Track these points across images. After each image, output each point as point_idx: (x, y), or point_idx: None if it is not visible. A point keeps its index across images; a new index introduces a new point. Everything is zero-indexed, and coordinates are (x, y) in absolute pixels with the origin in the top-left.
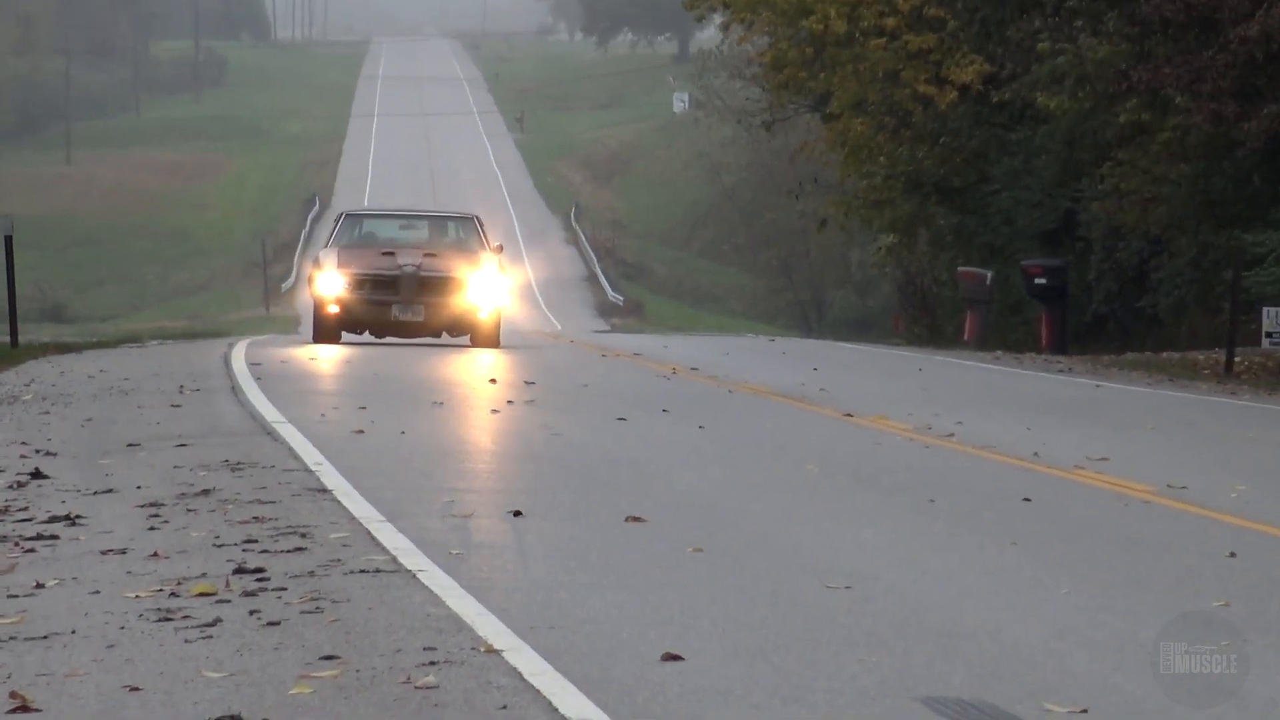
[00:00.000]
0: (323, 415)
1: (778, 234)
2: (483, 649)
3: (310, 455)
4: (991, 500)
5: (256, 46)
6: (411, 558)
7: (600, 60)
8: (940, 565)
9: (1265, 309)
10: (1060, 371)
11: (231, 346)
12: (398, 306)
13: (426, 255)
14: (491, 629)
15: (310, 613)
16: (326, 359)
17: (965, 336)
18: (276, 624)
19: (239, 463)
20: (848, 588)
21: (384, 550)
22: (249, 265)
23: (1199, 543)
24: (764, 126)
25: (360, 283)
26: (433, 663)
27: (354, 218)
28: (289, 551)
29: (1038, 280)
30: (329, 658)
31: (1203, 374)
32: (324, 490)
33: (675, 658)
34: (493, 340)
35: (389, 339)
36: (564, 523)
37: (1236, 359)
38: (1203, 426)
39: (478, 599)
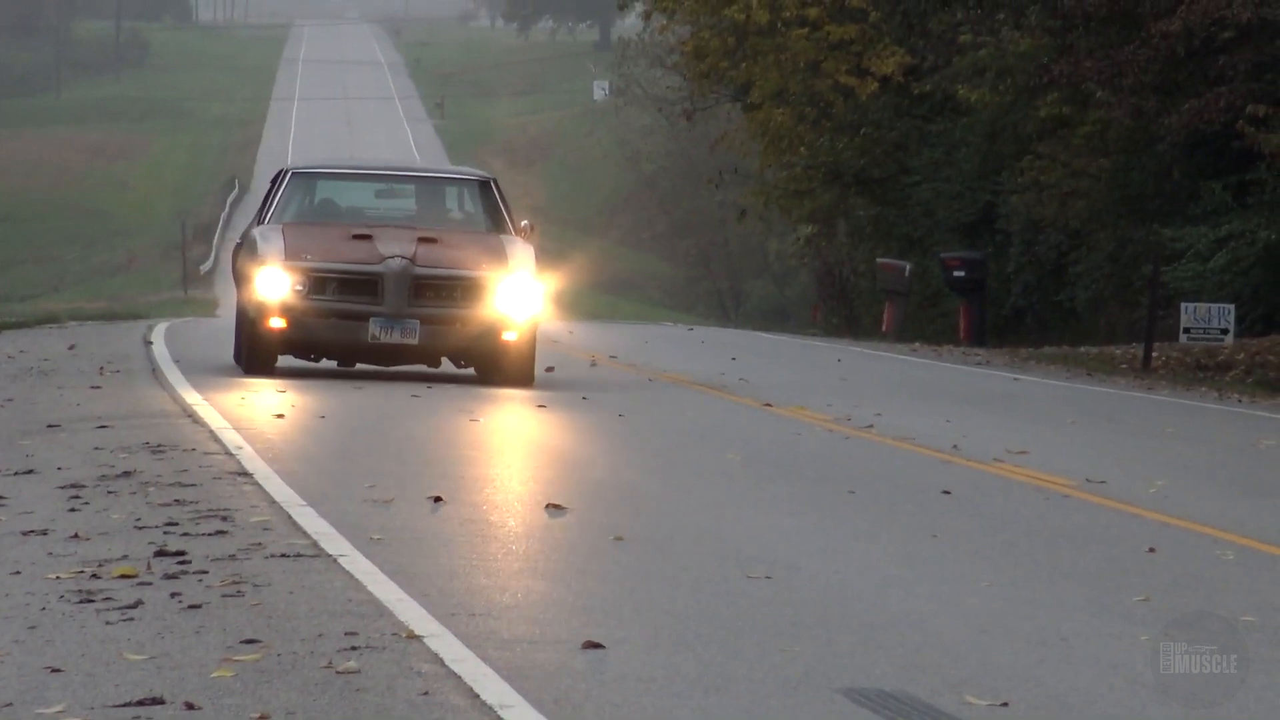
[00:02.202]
0: (243, 398)
1: (697, 223)
2: (404, 634)
3: (231, 439)
4: (912, 492)
5: (179, 28)
6: (332, 542)
7: (521, 47)
8: (861, 556)
9: (1183, 304)
10: (978, 364)
11: (151, 328)
12: (379, 322)
13: (423, 240)
14: (413, 614)
15: (231, 596)
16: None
17: (883, 328)
18: (198, 607)
19: (160, 445)
20: (769, 577)
21: (305, 535)
22: (168, 247)
23: (1119, 537)
24: (684, 115)
25: (320, 283)
26: (354, 648)
27: (304, 178)
28: (210, 535)
29: (956, 273)
30: (250, 641)
31: (1120, 368)
32: (245, 474)
33: (596, 646)
34: (525, 374)
35: (361, 367)
36: (485, 509)
37: (1154, 354)
38: (1121, 421)
39: (399, 584)
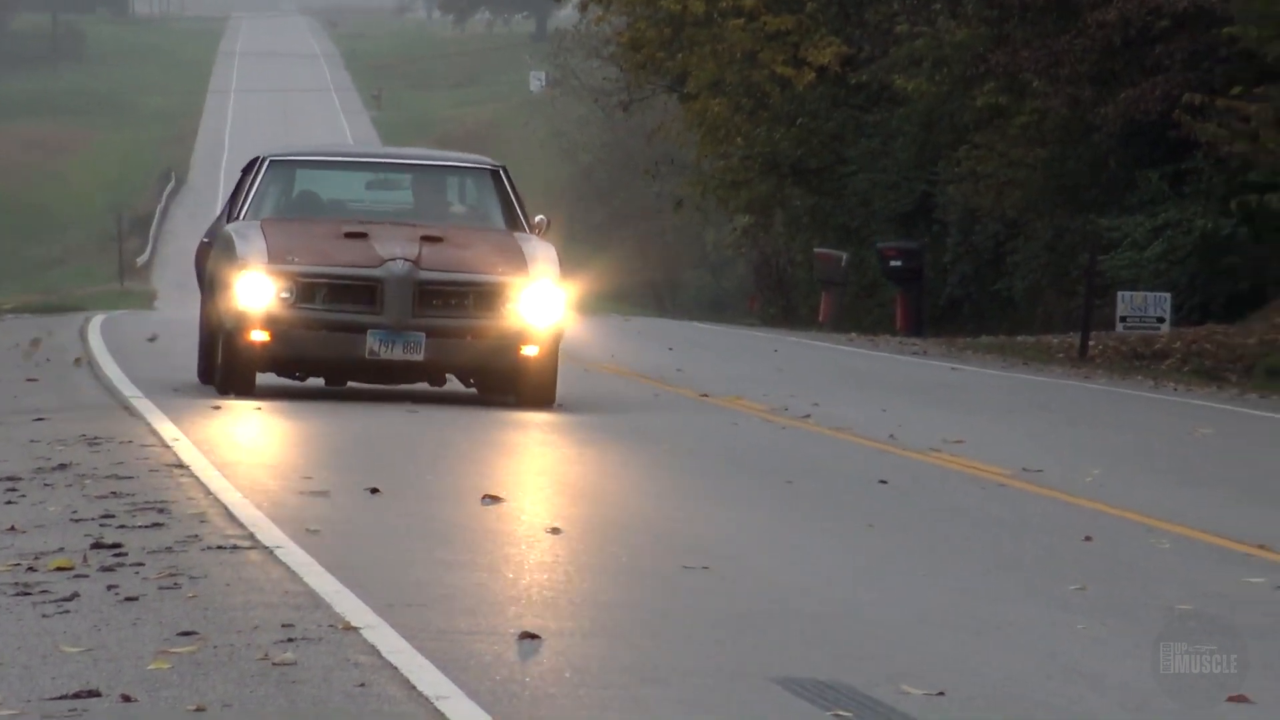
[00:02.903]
0: (177, 390)
1: (633, 214)
2: (340, 626)
3: (168, 431)
4: (849, 482)
5: (115, 21)
6: (269, 534)
7: (457, 39)
8: (798, 546)
9: (1120, 293)
10: (915, 354)
11: (88, 321)
12: (378, 335)
13: (427, 239)
14: (349, 606)
15: (168, 588)
16: (184, 331)
17: (820, 318)
18: (134, 599)
19: (96, 437)
20: (705, 568)
21: (241, 526)
22: (104, 240)
23: (1056, 526)
24: (621, 106)
25: (309, 290)
26: (291, 639)
27: (284, 166)
28: (146, 527)
29: (893, 262)
30: (187, 633)
31: (1057, 358)
32: (181, 466)
33: (533, 636)
34: (546, 394)
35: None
36: (421, 500)
37: (1091, 343)
38: (1058, 410)
39: (335, 576)
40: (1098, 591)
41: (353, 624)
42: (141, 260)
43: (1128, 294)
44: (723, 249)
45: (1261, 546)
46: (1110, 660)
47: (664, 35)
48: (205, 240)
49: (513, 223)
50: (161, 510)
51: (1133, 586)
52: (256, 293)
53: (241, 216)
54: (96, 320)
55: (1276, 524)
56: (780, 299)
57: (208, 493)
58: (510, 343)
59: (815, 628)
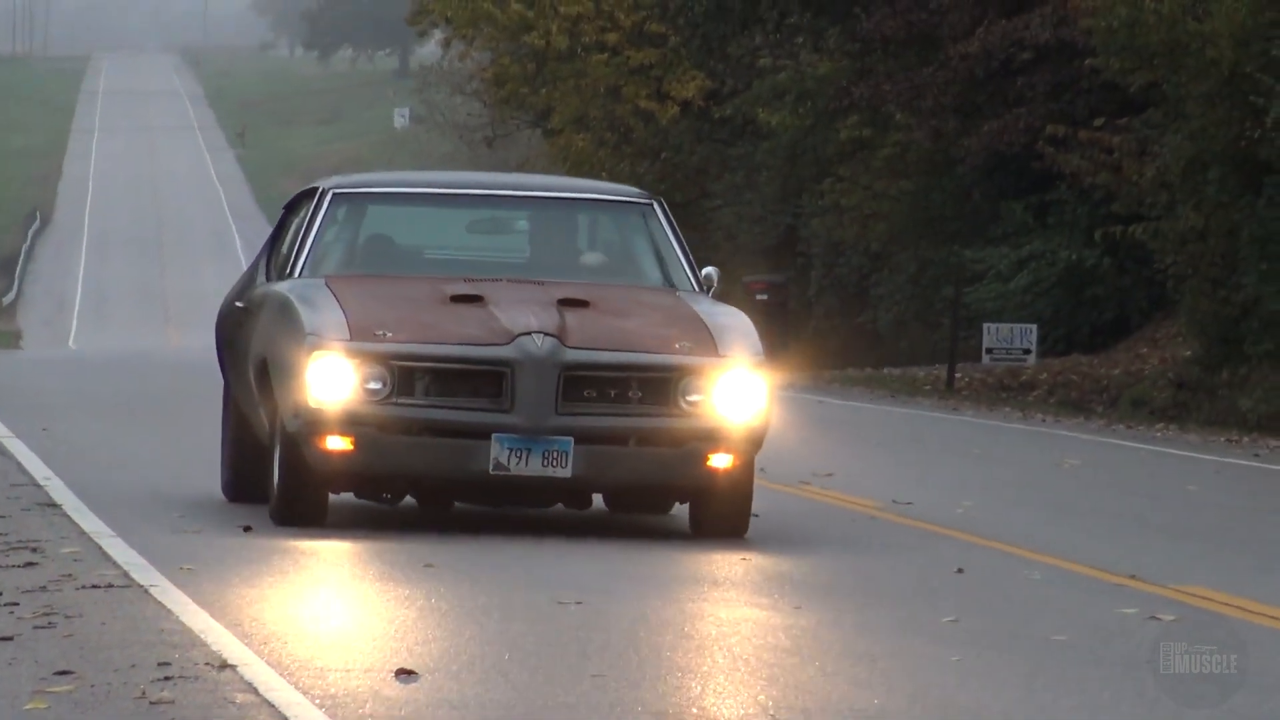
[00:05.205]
0: (45, 429)
1: None
2: (217, 664)
3: (39, 470)
4: None
5: None
6: (143, 573)
7: (321, 75)
8: (668, 581)
9: (985, 325)
10: (782, 387)
11: None
12: (508, 441)
13: (568, 304)
14: (225, 644)
15: (44, 628)
16: (60, 369)
17: None
18: (10, 639)
19: None
20: (579, 603)
21: (116, 565)
22: None
23: (927, 558)
24: (485, 142)
25: (408, 377)
26: (168, 678)
27: (351, 201)
28: (20, 566)
29: (759, 296)
30: (63, 673)
31: (924, 390)
32: (54, 505)
33: (409, 673)
34: (738, 519)
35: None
36: (294, 537)
37: (957, 375)
38: (926, 442)
39: (210, 614)
40: (971, 623)
41: (229, 661)
42: (7, 300)
43: (993, 326)
44: None
45: (1133, 577)
46: (986, 693)
47: (527, 70)
48: (238, 304)
49: (679, 279)
50: (35, 549)
51: (1006, 618)
52: (334, 383)
53: (297, 272)
54: None
55: (1146, 554)
56: None
57: (81, 532)
58: (694, 450)
59: (687, 661)
